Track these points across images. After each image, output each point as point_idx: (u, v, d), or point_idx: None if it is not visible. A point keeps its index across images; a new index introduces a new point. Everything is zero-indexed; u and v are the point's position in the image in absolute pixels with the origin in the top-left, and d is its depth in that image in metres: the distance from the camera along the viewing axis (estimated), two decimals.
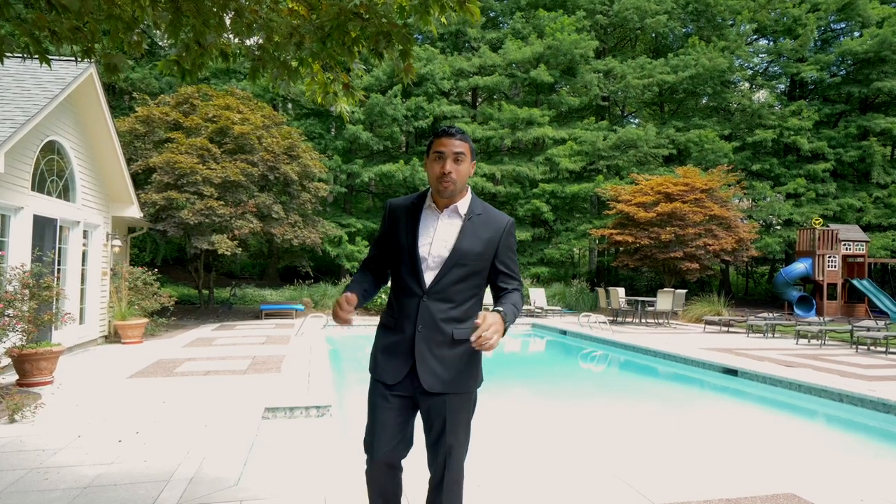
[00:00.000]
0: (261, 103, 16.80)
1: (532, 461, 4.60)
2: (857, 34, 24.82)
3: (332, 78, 3.54)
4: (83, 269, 10.06)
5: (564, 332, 13.84)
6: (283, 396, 6.10)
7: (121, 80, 19.49)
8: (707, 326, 15.17)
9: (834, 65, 25.40)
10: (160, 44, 22.80)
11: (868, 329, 11.60)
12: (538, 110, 23.36)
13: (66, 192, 9.30)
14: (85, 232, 10.06)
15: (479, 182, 22.35)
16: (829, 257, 18.78)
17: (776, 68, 26.93)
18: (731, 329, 14.89)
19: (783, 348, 11.15)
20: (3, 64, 2.84)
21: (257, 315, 16.35)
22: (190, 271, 18.57)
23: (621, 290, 16.95)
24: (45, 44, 2.83)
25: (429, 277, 2.31)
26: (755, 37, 27.21)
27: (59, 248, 9.08)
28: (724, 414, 7.14)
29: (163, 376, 7.35)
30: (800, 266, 19.14)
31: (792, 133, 23.71)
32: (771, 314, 15.77)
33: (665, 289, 16.72)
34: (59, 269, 9.07)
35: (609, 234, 18.91)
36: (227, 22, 2.96)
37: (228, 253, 13.68)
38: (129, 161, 12.70)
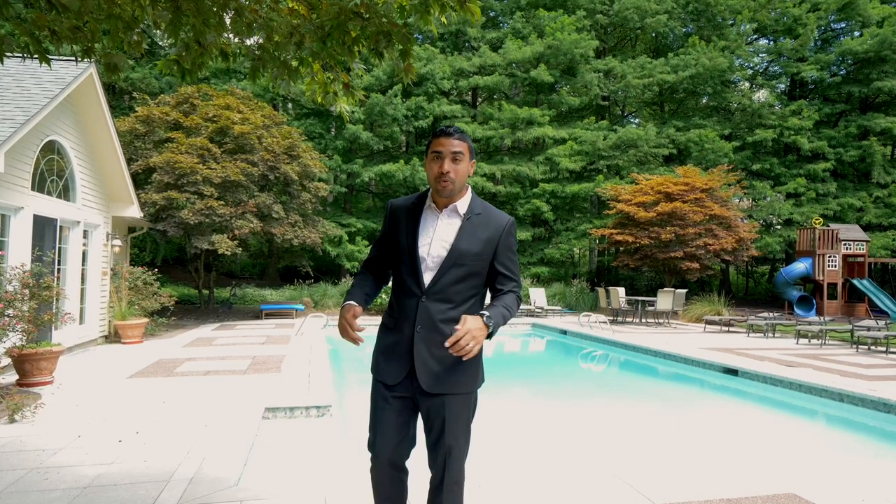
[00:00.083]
0: (261, 103, 16.80)
1: (532, 461, 4.60)
2: (857, 34, 24.82)
3: (332, 77, 3.53)
4: (83, 269, 10.06)
5: (565, 332, 13.83)
6: (284, 396, 6.10)
7: (121, 79, 19.49)
8: (707, 326, 15.17)
9: (834, 64, 25.40)
10: (160, 43, 22.80)
11: (868, 329, 11.60)
12: (538, 110, 23.35)
13: (66, 192, 9.29)
14: (85, 232, 10.06)
15: (480, 182, 22.35)
16: (830, 257, 18.78)
17: (776, 68, 26.92)
18: (731, 329, 14.89)
19: (783, 348, 11.15)
20: (3, 63, 2.83)
21: (257, 315, 16.35)
22: (190, 271, 18.57)
23: (621, 290, 16.95)
24: (45, 43, 2.82)
25: (428, 278, 2.30)
26: (755, 36, 27.20)
27: (59, 248, 9.08)
28: (724, 414, 7.13)
29: (163, 376, 7.34)
30: (800, 266, 19.13)
31: (792, 133, 23.71)
32: (771, 314, 15.76)
33: (665, 288, 16.72)
34: (59, 269, 9.07)
35: (609, 233, 18.91)
36: (227, 21, 2.96)
37: (228, 253, 13.68)
38: (129, 161, 12.70)
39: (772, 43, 26.68)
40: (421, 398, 2.32)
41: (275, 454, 4.50)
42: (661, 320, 16.40)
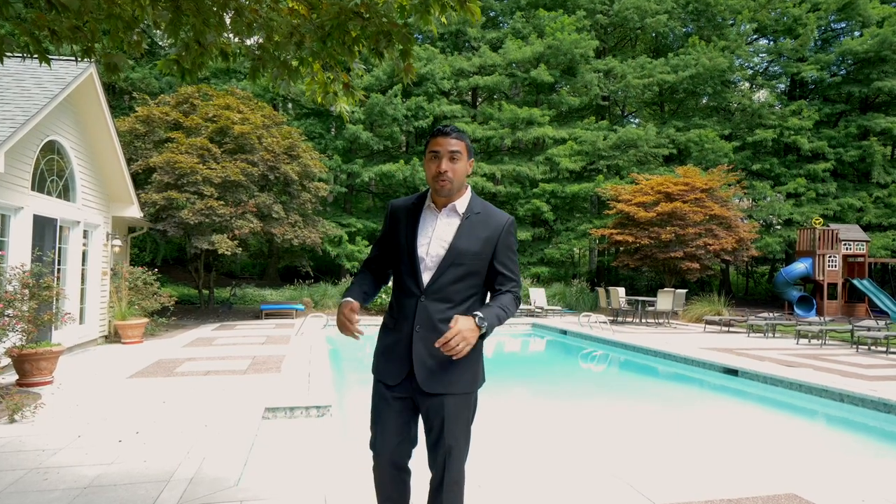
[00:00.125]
0: (261, 103, 16.80)
1: (533, 461, 4.60)
2: (857, 34, 24.82)
3: (332, 77, 3.53)
4: (83, 269, 10.06)
5: (565, 332, 13.83)
6: (284, 396, 6.10)
7: (121, 79, 19.49)
8: (707, 326, 15.16)
9: (834, 64, 25.40)
10: (160, 43, 22.80)
11: (868, 329, 11.60)
12: (538, 110, 23.35)
13: (66, 192, 9.29)
14: (85, 232, 10.05)
15: (480, 182, 22.35)
16: (830, 257, 18.78)
17: (776, 68, 26.92)
18: (731, 329, 14.89)
19: (784, 348, 11.15)
20: (2, 63, 2.83)
21: (257, 315, 16.34)
22: (190, 271, 18.57)
23: (621, 290, 16.95)
24: (45, 43, 2.82)
25: (426, 277, 2.30)
26: (755, 36, 27.20)
27: (59, 248, 9.08)
28: (724, 414, 7.13)
29: (163, 376, 7.34)
30: (800, 266, 19.13)
31: (792, 133, 23.71)
32: (771, 314, 15.76)
33: (665, 288, 16.72)
34: (59, 269, 9.07)
35: (609, 233, 18.91)
36: (227, 21, 2.96)
37: (228, 253, 13.68)
38: (129, 161, 12.69)
39: (772, 43, 26.68)
40: (420, 398, 2.32)
41: (275, 454, 4.50)
42: (661, 320, 16.40)
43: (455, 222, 2.34)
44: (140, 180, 13.72)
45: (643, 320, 16.61)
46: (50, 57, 2.93)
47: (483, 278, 2.38)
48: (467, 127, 22.76)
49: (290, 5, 3.18)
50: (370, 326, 14.73)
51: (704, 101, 26.97)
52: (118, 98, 22.96)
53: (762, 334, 13.62)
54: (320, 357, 8.91)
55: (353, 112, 20.75)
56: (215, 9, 2.86)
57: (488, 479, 3.98)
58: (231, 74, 22.35)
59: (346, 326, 2.26)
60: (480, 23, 17.09)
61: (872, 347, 11.37)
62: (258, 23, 2.94)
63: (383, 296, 16.92)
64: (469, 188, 2.43)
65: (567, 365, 11.18)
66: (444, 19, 3.08)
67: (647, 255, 18.29)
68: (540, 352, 13.18)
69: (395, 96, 21.92)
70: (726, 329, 14.82)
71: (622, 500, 3.65)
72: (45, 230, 8.50)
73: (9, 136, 6.87)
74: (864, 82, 23.94)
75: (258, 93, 20.58)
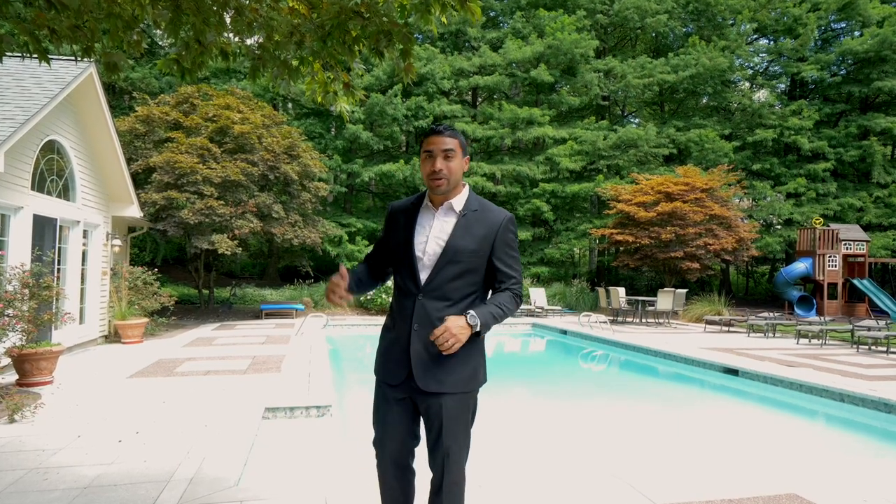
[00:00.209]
0: (261, 103, 16.79)
1: (533, 461, 4.59)
2: (857, 34, 24.81)
3: (332, 77, 3.52)
4: (83, 269, 10.05)
5: (565, 332, 13.82)
6: (284, 396, 6.09)
7: (121, 79, 19.48)
8: (708, 326, 15.16)
9: (834, 64, 25.39)
10: (160, 43, 22.79)
11: (869, 329, 11.59)
12: (538, 110, 23.34)
13: (65, 192, 9.28)
14: (85, 231, 10.05)
15: (480, 182, 22.35)
16: (830, 257, 18.77)
17: (776, 68, 26.92)
18: (731, 329, 14.89)
19: (784, 348, 11.14)
20: (2, 63, 2.83)
21: (257, 315, 16.34)
22: (190, 271, 18.56)
23: (622, 290, 16.94)
24: (45, 42, 2.81)
25: (424, 275, 2.30)
26: (755, 36, 27.20)
27: (59, 248, 9.07)
28: (725, 414, 7.13)
29: (163, 376, 7.34)
30: (800, 266, 19.13)
31: (792, 133, 23.71)
32: (771, 314, 15.75)
33: (665, 288, 16.71)
34: (58, 269, 9.06)
35: (609, 233, 18.90)
36: (228, 20, 2.95)
37: (228, 253, 13.68)
38: (129, 161, 12.69)
39: (772, 43, 26.67)
40: (419, 398, 2.31)
41: (275, 454, 4.49)
42: (661, 320, 16.39)
43: (452, 220, 2.33)
44: (140, 180, 13.71)
45: (643, 320, 16.61)
46: (50, 56, 2.93)
47: (482, 276, 2.35)
48: (467, 127, 22.76)
49: (291, 5, 3.17)
50: (370, 327, 14.71)
51: (704, 101, 26.97)
52: (118, 98, 22.95)
53: (762, 334, 13.62)
54: (320, 357, 8.91)
55: (353, 112, 20.74)
56: (215, 8, 2.86)
57: (489, 479, 3.98)
58: (231, 74, 22.34)
59: (332, 291, 2.24)
60: (481, 22, 17.08)
61: (873, 347, 11.36)
62: (258, 22, 2.93)
63: (384, 296, 16.93)
64: (467, 186, 2.42)
65: (567, 365, 11.17)
66: (444, 19, 3.07)
67: (648, 254, 18.29)
68: (540, 352, 13.17)
69: (396, 96, 21.92)
70: (726, 329, 14.82)
71: (622, 500, 3.65)
72: (44, 230, 8.50)
73: (9, 135, 6.86)
74: (865, 82, 23.94)
75: (258, 92, 20.57)
